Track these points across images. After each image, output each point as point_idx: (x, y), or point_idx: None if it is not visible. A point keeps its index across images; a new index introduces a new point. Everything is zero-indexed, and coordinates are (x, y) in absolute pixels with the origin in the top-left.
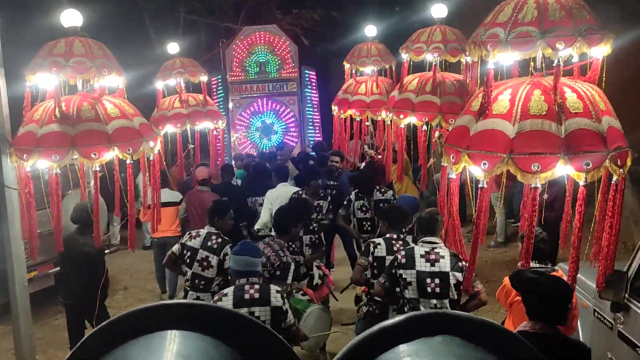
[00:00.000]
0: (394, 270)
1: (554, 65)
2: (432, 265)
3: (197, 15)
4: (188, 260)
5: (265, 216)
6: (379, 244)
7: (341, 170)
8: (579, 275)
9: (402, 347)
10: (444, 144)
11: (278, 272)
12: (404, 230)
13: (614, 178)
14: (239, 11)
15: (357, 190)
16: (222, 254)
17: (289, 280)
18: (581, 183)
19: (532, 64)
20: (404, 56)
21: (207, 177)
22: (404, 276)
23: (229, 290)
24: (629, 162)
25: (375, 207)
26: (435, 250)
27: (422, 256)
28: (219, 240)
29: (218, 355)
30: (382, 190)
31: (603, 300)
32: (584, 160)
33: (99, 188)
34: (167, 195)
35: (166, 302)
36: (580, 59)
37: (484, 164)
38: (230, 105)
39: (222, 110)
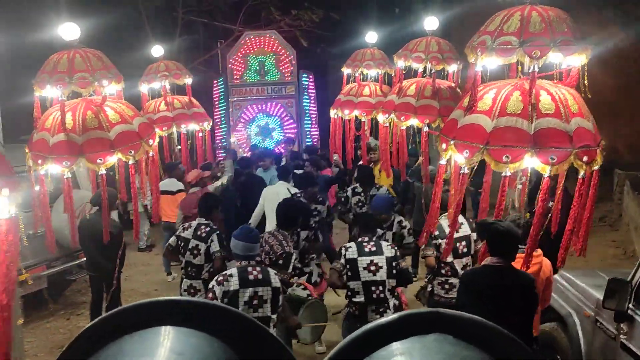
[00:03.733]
0: (434, 241)
1: (530, 71)
2: (457, 231)
3: (195, 15)
4: (182, 250)
5: (258, 211)
6: (350, 247)
7: (318, 174)
8: (580, 283)
9: (396, 345)
10: (440, 134)
11: (280, 262)
12: (377, 231)
13: (580, 173)
14: (237, 12)
15: (354, 186)
16: (208, 240)
17: (290, 270)
18: (545, 175)
19: (519, 68)
20: (401, 63)
21: (194, 180)
22: (443, 244)
23: (233, 271)
24: (599, 159)
25: None
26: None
27: (449, 226)
28: (207, 229)
29: (211, 352)
30: (378, 186)
31: (606, 309)
32: (549, 154)
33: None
34: (167, 184)
35: (160, 299)
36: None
37: (466, 152)
38: (230, 107)
39: (222, 111)
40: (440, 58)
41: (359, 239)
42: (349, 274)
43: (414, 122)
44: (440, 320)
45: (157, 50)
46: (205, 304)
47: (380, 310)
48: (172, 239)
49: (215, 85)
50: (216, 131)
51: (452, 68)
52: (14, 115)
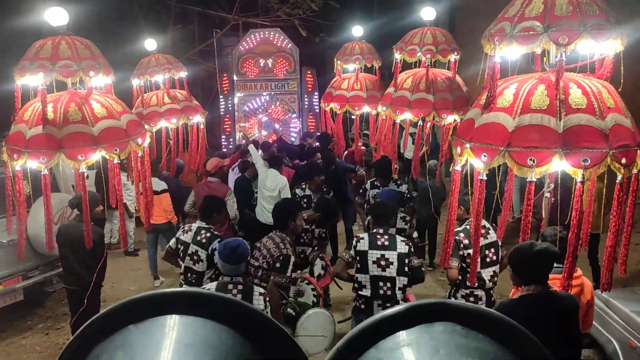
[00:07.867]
0: (461, 252)
1: (556, 60)
2: (485, 237)
3: (189, 4)
4: (181, 254)
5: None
6: (362, 238)
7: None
8: (624, 308)
9: (402, 335)
10: (454, 135)
11: (278, 265)
12: (390, 223)
13: (618, 177)
14: (233, 0)
15: (373, 179)
16: (210, 248)
17: (289, 273)
18: (578, 179)
19: (544, 59)
20: (397, 56)
21: (214, 169)
22: (471, 253)
23: (212, 286)
24: (639, 162)
25: None
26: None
27: (472, 238)
28: (208, 234)
29: (220, 343)
30: (398, 182)
31: None
32: (581, 156)
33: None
34: (154, 183)
35: (166, 290)
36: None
37: (484, 156)
38: (236, 100)
39: (229, 105)
40: (434, 50)
41: (374, 230)
42: (358, 266)
43: (408, 116)
44: (449, 310)
45: (150, 44)
46: (212, 295)
47: (388, 306)
48: (173, 241)
49: (225, 80)
50: (224, 124)
51: (449, 59)
52: None
